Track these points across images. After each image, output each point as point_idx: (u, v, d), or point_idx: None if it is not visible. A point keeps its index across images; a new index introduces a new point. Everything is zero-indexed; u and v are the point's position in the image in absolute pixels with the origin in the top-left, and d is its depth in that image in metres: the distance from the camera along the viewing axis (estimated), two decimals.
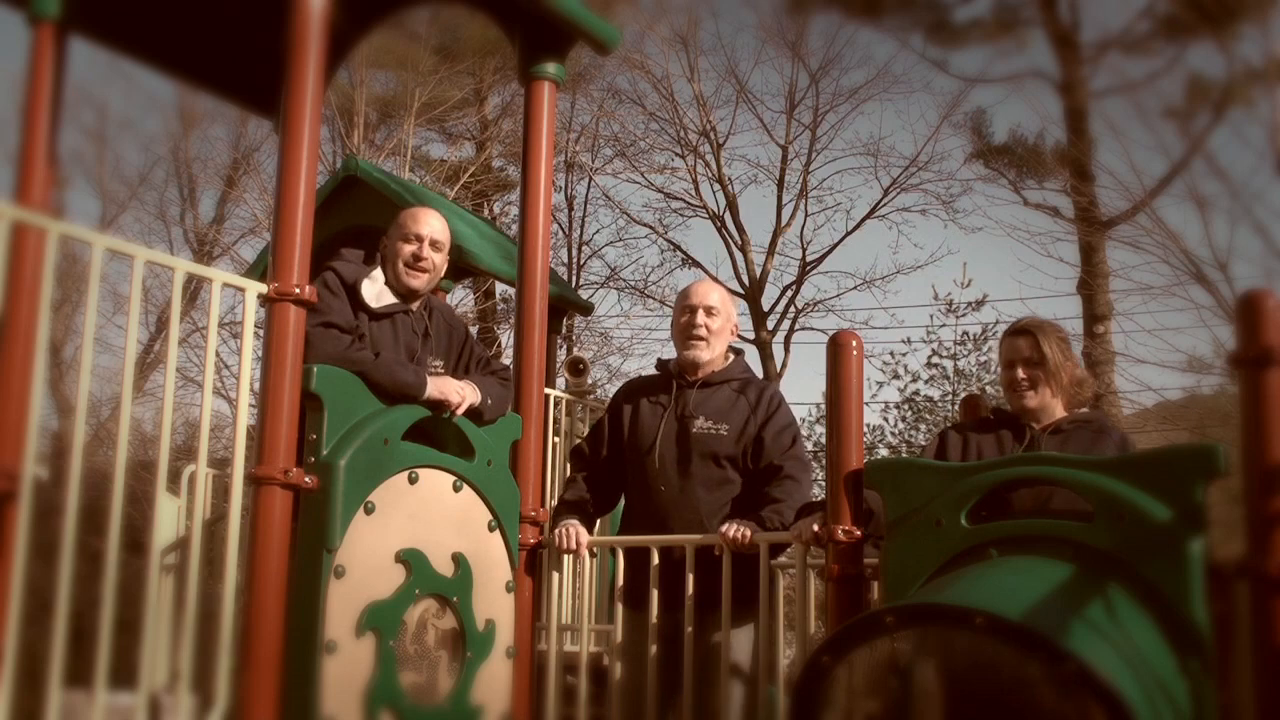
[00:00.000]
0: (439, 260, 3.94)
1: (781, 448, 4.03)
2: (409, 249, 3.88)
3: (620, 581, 3.99)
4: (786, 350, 19.53)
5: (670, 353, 4.31)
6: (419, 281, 3.88)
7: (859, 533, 3.35)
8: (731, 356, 4.24)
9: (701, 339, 4.13)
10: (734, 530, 3.74)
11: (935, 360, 18.27)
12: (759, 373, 18.25)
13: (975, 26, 19.53)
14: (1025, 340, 3.75)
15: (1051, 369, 3.69)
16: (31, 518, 2.91)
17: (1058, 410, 3.74)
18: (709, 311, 4.15)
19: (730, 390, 4.13)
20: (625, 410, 4.21)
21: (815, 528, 3.52)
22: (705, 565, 3.76)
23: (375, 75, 18.52)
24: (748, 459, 4.03)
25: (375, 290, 3.82)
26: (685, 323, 4.16)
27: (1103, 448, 3.58)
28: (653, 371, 4.36)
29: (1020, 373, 3.72)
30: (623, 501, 4.28)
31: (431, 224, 3.93)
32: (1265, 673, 2.76)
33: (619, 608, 4.00)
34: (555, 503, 4.18)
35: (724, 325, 4.18)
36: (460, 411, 3.69)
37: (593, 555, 4.15)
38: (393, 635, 3.33)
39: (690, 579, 3.74)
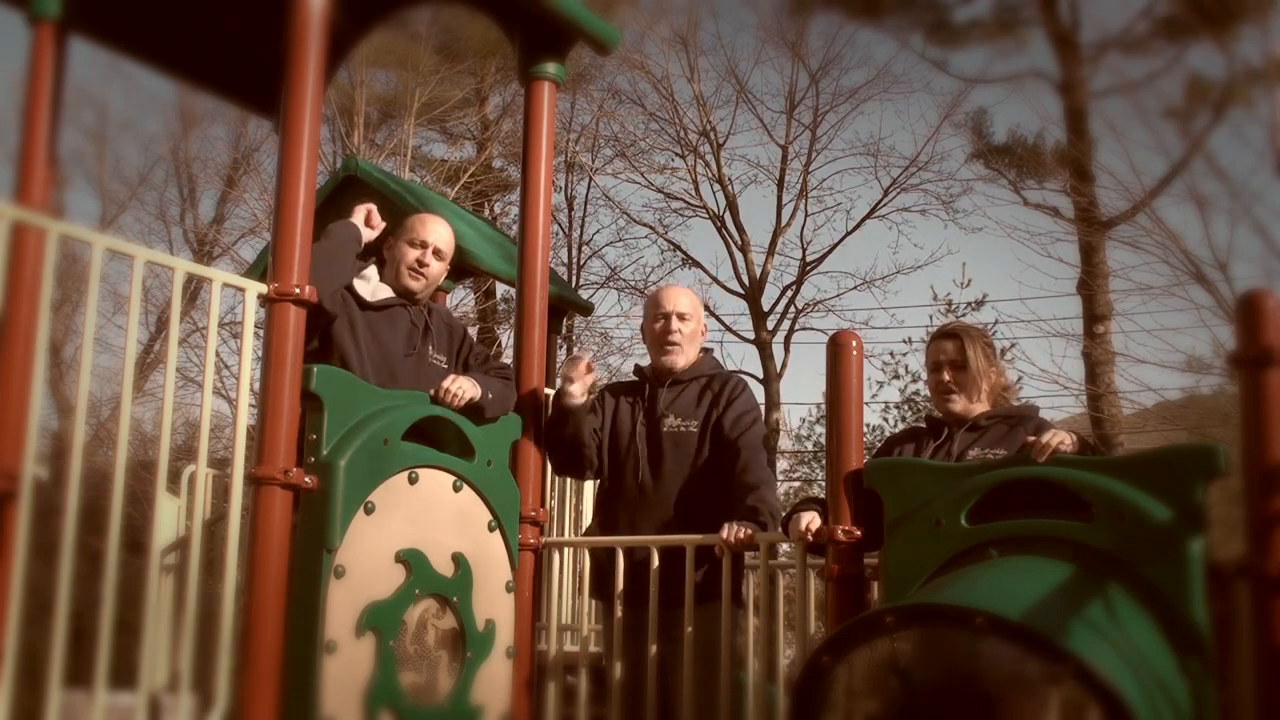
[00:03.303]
0: (439, 269, 4.00)
1: (740, 429, 4.10)
2: (413, 254, 3.94)
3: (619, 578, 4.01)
4: (786, 350, 19.53)
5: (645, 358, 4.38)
6: (418, 285, 3.94)
7: (859, 533, 3.35)
8: (700, 354, 4.30)
9: (676, 345, 4.22)
10: (734, 531, 3.76)
11: None
12: (759, 371, 18.42)
13: (975, 26, 19.54)
14: (951, 344, 3.81)
15: (973, 374, 3.73)
16: (31, 518, 2.91)
17: (981, 410, 3.77)
18: (681, 318, 4.23)
19: (698, 386, 4.21)
20: (606, 408, 4.29)
21: (804, 526, 3.54)
22: (671, 562, 3.81)
23: (375, 75, 18.51)
24: (717, 447, 4.10)
25: (370, 287, 3.88)
26: (660, 330, 4.25)
27: (1013, 441, 3.61)
28: (631, 377, 4.43)
29: (946, 375, 3.78)
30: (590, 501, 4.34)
31: (438, 232, 3.99)
32: (1265, 673, 2.76)
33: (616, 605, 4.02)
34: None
35: (695, 329, 4.28)
36: (459, 403, 3.68)
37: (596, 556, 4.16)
38: (393, 635, 3.33)
39: (688, 577, 3.75)
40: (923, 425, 3.94)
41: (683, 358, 4.23)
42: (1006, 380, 3.90)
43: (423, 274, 3.94)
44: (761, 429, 4.17)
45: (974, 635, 2.58)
